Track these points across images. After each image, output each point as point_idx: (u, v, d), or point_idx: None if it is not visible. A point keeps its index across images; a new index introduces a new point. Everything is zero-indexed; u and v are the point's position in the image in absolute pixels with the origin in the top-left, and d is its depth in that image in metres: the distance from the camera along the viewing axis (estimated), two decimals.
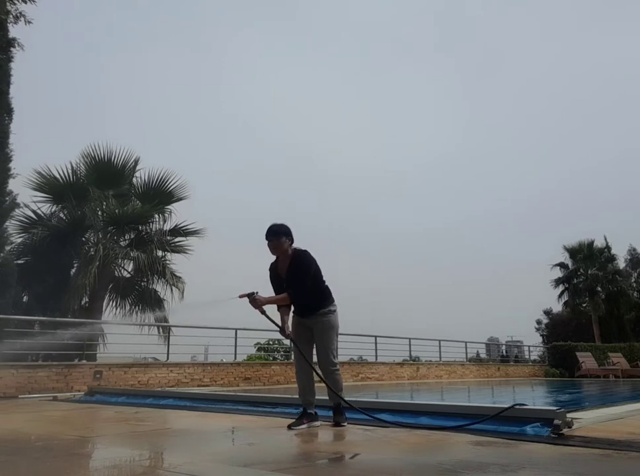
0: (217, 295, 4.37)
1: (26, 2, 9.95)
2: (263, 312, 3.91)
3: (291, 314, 4.21)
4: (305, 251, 4.12)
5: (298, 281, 3.98)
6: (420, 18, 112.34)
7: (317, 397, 4.17)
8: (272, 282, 4.18)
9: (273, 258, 4.20)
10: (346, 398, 4.14)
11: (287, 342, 13.92)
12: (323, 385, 4.19)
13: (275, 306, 4.09)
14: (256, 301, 3.82)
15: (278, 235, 4.02)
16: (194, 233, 13.55)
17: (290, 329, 4.10)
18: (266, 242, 4.07)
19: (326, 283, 4.21)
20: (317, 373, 4.07)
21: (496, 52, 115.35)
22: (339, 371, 4.09)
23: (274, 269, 4.17)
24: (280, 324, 4.04)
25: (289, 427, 3.87)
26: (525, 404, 3.78)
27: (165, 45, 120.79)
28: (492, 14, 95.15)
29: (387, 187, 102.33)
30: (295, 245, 4.15)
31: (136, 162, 13.37)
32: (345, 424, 4.00)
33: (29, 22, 9.94)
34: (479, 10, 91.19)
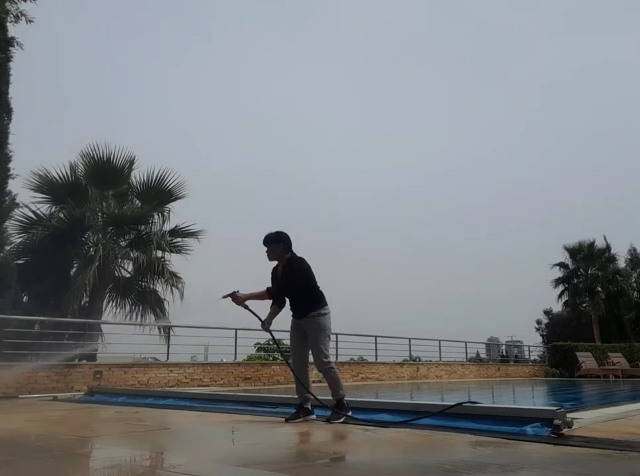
0: (209, 298, 4.74)
1: (25, 1, 9.94)
2: (246, 307, 4.34)
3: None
4: (298, 258, 4.45)
5: (286, 284, 4.37)
6: (420, 19, 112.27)
7: (320, 397, 4.34)
8: (272, 283, 4.58)
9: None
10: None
11: (287, 342, 13.96)
12: (317, 384, 4.33)
13: (267, 306, 4.46)
14: (237, 299, 4.29)
15: (270, 243, 4.42)
16: (192, 234, 13.53)
17: (270, 325, 4.43)
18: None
19: (319, 289, 4.49)
20: (291, 368, 4.46)
21: (498, 51, 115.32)
22: (334, 368, 4.31)
23: (274, 272, 4.57)
24: (262, 319, 4.38)
25: (287, 421, 4.17)
26: (479, 403, 4.01)
27: (164, 45, 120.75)
28: (494, 15, 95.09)
29: (387, 187, 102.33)
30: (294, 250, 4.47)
31: (132, 161, 13.32)
32: (335, 421, 4.08)
33: (30, 21, 9.92)
34: (481, 11, 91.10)
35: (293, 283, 4.35)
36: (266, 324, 4.41)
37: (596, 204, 71.62)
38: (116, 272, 12.88)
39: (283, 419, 4.25)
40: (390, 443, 3.28)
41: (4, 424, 4.45)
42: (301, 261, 4.45)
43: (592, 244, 27.64)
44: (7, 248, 10.51)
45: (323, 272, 4.64)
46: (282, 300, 4.47)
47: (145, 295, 12.94)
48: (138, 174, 13.47)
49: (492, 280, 75.24)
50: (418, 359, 16.96)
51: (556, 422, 3.34)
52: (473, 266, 77.09)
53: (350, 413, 4.19)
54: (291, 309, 4.48)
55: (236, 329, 11.06)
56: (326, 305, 4.44)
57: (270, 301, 4.46)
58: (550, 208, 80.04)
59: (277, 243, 4.40)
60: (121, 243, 12.99)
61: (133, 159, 13.36)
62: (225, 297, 4.26)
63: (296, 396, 4.45)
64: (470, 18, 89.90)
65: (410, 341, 15.44)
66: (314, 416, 4.29)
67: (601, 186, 77.27)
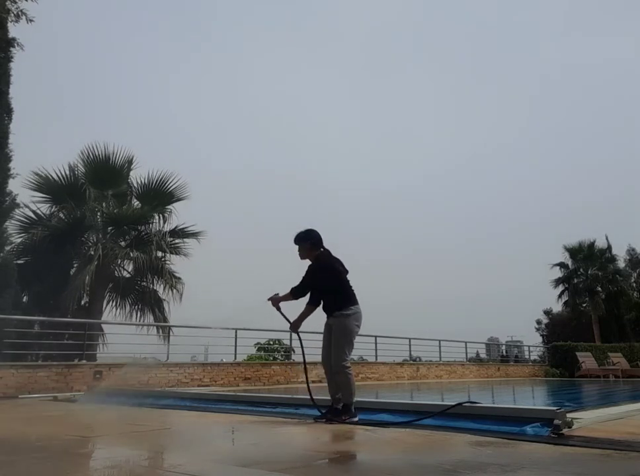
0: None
1: (27, 0, 9.93)
2: (278, 309, 4.48)
3: None
4: (326, 256, 4.44)
5: (310, 282, 4.39)
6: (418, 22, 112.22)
7: (323, 397, 4.45)
8: None
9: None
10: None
11: (287, 342, 14.04)
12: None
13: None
14: (275, 301, 4.47)
15: (299, 241, 4.48)
16: (193, 235, 13.53)
17: (297, 327, 4.48)
18: None
19: (350, 288, 4.44)
20: (305, 371, 4.58)
21: (498, 51, 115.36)
22: (349, 372, 4.27)
23: None
24: (291, 320, 4.44)
25: (315, 419, 4.22)
26: (479, 403, 4.03)
27: (164, 45, 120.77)
28: (494, 15, 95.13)
29: (387, 187, 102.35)
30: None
31: (130, 161, 13.31)
32: (335, 422, 4.09)
33: (30, 21, 9.91)
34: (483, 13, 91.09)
35: (317, 281, 4.35)
36: (293, 327, 4.44)
37: (596, 204, 71.53)
38: (115, 272, 12.87)
39: (284, 420, 4.27)
40: (390, 443, 3.28)
41: (4, 424, 4.46)
42: (328, 259, 4.42)
43: (592, 245, 27.64)
44: (7, 248, 10.51)
45: None
46: (315, 298, 4.37)
47: (144, 295, 12.94)
48: (139, 175, 13.49)
49: (492, 280, 75.23)
50: (418, 359, 16.94)
51: (556, 422, 3.34)
52: (473, 266, 77.08)
53: (356, 419, 4.15)
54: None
55: (236, 329, 11.03)
56: (354, 305, 4.34)
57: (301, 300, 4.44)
58: (550, 208, 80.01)
59: (305, 241, 4.44)
60: (121, 243, 12.98)
61: (132, 159, 13.37)
62: (269, 299, 4.44)
63: (295, 397, 4.47)
64: (470, 18, 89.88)
65: (410, 341, 15.42)
66: (356, 419, 4.17)
67: (601, 186, 77.29)
